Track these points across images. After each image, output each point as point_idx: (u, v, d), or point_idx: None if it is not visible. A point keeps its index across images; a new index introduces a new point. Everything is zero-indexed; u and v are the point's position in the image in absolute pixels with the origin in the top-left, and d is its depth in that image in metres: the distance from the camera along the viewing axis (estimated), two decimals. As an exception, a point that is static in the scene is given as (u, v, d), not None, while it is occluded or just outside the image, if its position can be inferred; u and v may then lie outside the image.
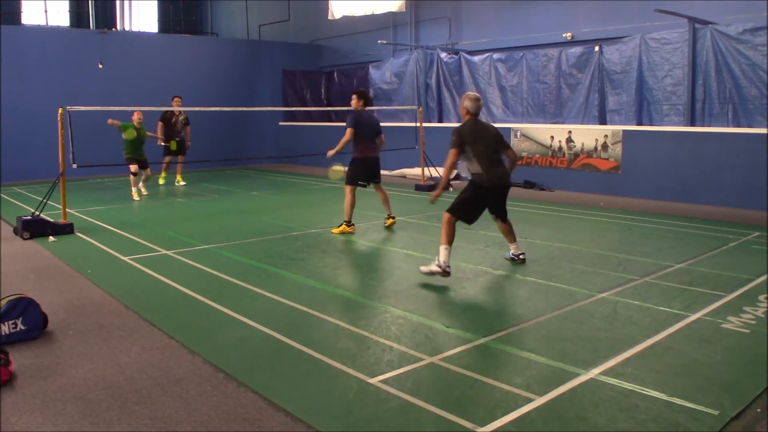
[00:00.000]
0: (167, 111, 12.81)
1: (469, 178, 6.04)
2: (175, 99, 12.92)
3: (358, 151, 8.02)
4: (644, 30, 11.91)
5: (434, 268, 5.64)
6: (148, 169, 11.81)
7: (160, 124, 12.92)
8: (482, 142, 5.90)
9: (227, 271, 6.10)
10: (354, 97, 8.09)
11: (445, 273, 5.61)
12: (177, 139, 12.98)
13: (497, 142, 6.04)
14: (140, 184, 11.77)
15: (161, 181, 13.45)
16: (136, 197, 11.32)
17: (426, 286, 5.66)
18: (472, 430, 3.03)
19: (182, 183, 13.67)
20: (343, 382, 3.61)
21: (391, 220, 8.41)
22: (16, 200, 11.13)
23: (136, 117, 11.36)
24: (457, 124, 6.27)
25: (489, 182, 5.89)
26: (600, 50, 12.35)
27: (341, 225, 8.00)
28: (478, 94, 6.12)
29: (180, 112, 12.97)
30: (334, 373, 3.73)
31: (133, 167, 11.24)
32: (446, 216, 5.83)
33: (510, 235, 6.40)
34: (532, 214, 9.60)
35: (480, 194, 5.94)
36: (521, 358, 3.91)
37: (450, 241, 5.72)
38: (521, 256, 6.39)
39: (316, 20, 19.71)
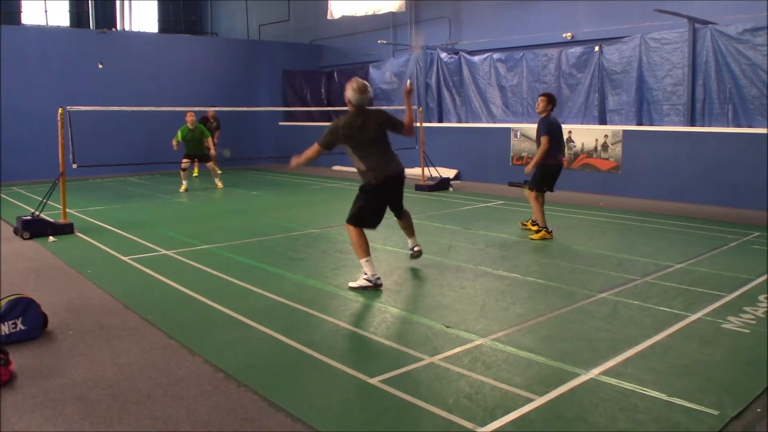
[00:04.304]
0: (203, 117, 14.64)
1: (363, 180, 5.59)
2: (210, 110, 14.63)
3: (550, 157, 7.50)
4: (644, 30, 11.90)
5: (363, 282, 5.41)
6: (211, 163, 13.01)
7: None
8: (362, 136, 5.44)
9: (227, 271, 6.10)
10: (544, 100, 7.62)
11: (377, 285, 5.41)
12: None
13: (383, 128, 5.60)
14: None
15: (194, 174, 14.80)
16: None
17: (426, 286, 5.66)
18: (472, 430, 3.03)
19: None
20: (343, 382, 3.61)
21: (536, 232, 7.63)
22: (16, 200, 11.13)
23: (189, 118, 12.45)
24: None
25: (376, 180, 5.49)
26: (600, 50, 12.34)
27: (540, 231, 7.60)
28: (364, 82, 5.57)
29: (215, 119, 15.06)
30: (334, 373, 3.73)
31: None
32: (350, 228, 5.54)
33: (408, 229, 6.13)
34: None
35: (374, 196, 5.56)
36: (521, 358, 3.91)
37: (368, 253, 5.45)
38: (416, 248, 6.17)
39: (316, 20, 19.71)
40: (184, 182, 12.56)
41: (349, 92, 5.43)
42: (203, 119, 14.68)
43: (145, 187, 13.42)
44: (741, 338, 4.28)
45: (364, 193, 5.55)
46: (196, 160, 12.87)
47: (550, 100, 7.65)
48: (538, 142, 7.63)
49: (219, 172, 13.52)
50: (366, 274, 5.42)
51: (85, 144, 10.01)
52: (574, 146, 12.34)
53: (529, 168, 7.62)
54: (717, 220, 8.95)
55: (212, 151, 12.74)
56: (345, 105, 5.70)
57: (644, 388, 3.46)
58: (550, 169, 7.64)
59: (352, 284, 5.49)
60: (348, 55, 19.14)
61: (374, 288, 5.39)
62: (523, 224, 8.21)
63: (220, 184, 12.99)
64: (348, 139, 5.43)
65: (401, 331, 4.50)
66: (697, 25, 10.88)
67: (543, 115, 7.61)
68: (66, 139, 8.20)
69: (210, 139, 12.72)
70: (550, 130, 7.51)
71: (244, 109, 16.32)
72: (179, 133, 12.32)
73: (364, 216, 5.54)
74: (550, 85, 13.27)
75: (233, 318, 4.72)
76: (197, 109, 13.96)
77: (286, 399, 3.38)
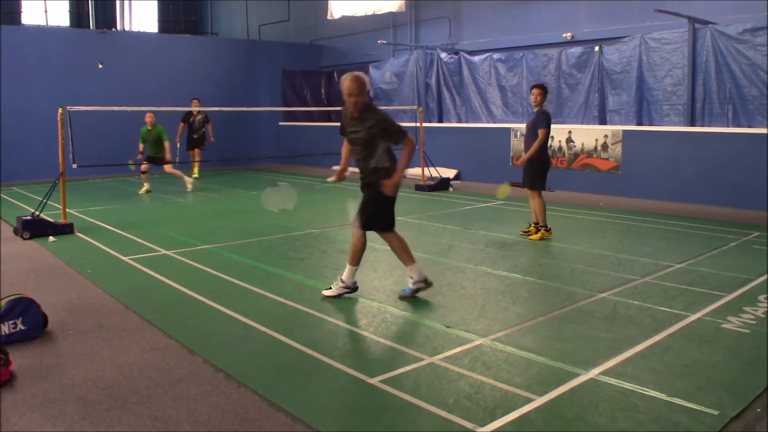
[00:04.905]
0: (187, 112, 14.33)
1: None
2: (194, 101, 14.24)
3: (543, 154, 7.50)
4: (644, 30, 11.90)
5: (342, 290, 5.16)
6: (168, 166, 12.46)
7: (181, 124, 14.32)
8: None
9: (227, 271, 6.10)
10: (541, 92, 7.41)
11: (355, 289, 5.20)
12: (195, 136, 14.52)
13: None
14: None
15: (195, 174, 14.56)
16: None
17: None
18: (472, 430, 3.03)
19: (195, 175, 14.68)
20: (343, 382, 3.61)
21: (536, 232, 7.61)
22: (16, 200, 11.13)
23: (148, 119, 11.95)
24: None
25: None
26: (600, 50, 12.34)
27: (540, 231, 7.58)
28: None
29: (198, 111, 14.28)
30: (334, 373, 3.73)
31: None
32: (393, 235, 5.14)
33: (404, 253, 5.19)
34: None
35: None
36: (521, 358, 3.91)
37: (359, 262, 5.16)
38: (428, 281, 5.18)
39: (316, 20, 19.72)
40: (146, 185, 12.24)
41: (363, 78, 4.87)
42: (187, 114, 14.35)
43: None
44: (741, 338, 4.28)
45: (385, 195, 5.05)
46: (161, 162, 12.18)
47: (546, 91, 7.62)
48: (533, 134, 7.45)
49: (181, 173, 12.81)
50: (343, 280, 5.14)
51: (86, 144, 10.02)
52: (574, 146, 12.34)
53: (523, 160, 7.55)
54: (717, 220, 8.95)
55: (167, 155, 12.08)
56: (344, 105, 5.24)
57: (644, 388, 3.46)
58: (547, 165, 7.65)
59: (325, 292, 5.19)
60: (348, 55, 19.14)
61: (352, 292, 5.21)
62: (524, 232, 7.87)
63: (189, 187, 12.47)
64: None
65: (401, 331, 4.50)
66: (697, 25, 10.88)
67: (538, 109, 7.49)
68: (66, 139, 8.20)
69: (167, 143, 12.05)
70: (549, 124, 7.44)
71: (244, 109, 16.32)
72: (141, 136, 12.02)
73: (390, 218, 5.15)
74: (550, 85, 13.26)
75: (233, 318, 4.72)
76: (197, 109, 14.01)
77: (286, 399, 3.38)
